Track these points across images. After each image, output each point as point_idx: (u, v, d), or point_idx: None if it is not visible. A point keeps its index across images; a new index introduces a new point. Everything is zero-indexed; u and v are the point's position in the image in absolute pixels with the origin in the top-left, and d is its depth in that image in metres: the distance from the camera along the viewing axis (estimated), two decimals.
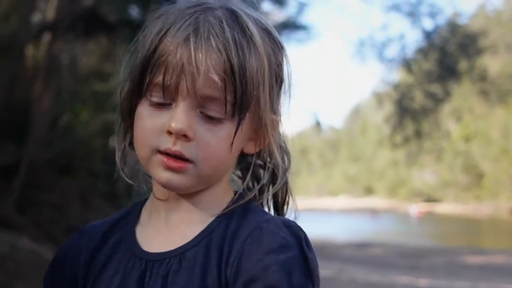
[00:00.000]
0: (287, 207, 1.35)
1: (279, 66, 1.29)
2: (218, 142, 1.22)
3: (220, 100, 1.20)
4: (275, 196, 1.33)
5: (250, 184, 1.34)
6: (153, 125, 1.22)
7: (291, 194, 1.34)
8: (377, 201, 72.96)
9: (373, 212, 48.95)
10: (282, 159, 1.32)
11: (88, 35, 11.98)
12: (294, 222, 1.22)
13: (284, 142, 1.35)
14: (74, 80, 12.76)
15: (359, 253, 16.62)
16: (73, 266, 1.32)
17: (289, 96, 1.32)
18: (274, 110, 1.30)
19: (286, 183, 1.33)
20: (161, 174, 1.22)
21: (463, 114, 58.28)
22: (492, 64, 37.03)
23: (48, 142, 11.67)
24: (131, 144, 1.31)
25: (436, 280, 13.13)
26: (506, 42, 48.13)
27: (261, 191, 1.31)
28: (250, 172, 1.31)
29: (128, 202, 1.39)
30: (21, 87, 11.48)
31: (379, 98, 30.75)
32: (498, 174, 58.72)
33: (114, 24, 11.98)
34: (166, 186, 1.23)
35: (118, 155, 1.33)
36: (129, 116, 1.29)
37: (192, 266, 1.19)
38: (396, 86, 26.44)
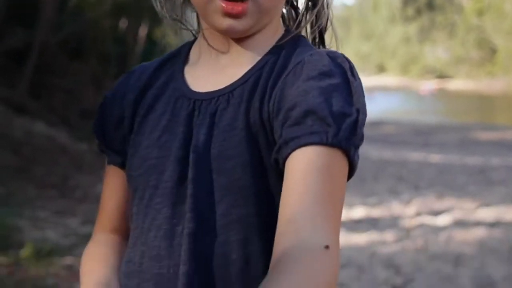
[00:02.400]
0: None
1: None
2: None
3: None
4: (319, 27, 1.30)
5: (294, 15, 1.31)
6: None
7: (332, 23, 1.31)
8: (389, 79, 72.79)
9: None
10: None
11: None
12: (340, 53, 1.18)
13: None
14: None
15: (371, 131, 16.72)
16: (121, 105, 1.30)
17: None
18: None
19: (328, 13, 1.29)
20: (220, 21, 1.18)
21: None
22: None
23: (58, 25, 11.56)
24: None
25: (448, 155, 13.24)
26: None
27: (303, 23, 1.28)
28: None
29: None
30: None
31: None
32: (511, 48, 58.13)
33: None
34: (227, 32, 1.20)
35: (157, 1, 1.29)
36: None
37: (239, 103, 1.17)
38: None
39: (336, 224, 1.05)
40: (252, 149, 1.14)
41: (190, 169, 1.17)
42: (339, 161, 1.08)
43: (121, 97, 1.31)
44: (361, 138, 1.11)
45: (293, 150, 1.07)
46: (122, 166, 1.30)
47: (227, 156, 1.15)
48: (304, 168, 1.06)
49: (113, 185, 1.33)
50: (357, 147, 1.10)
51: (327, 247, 0.98)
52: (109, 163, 1.33)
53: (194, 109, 1.21)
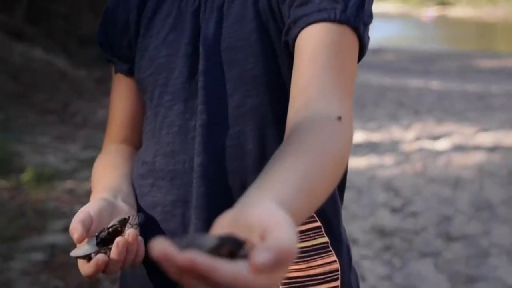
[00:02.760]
0: None
1: None
2: None
3: None
4: None
5: None
6: None
7: None
8: (389, 6, 71.98)
9: None
10: None
11: None
12: None
13: None
14: None
15: (372, 59, 16.61)
16: (125, 10, 1.29)
17: None
18: None
19: None
20: None
21: None
22: None
23: None
24: None
25: (448, 82, 13.20)
26: None
27: None
28: None
29: None
30: None
31: None
32: None
33: None
34: None
35: None
36: None
37: None
38: None
39: (348, 97, 1.04)
40: (263, 38, 1.14)
41: (201, 62, 1.17)
42: (349, 38, 1.08)
43: (124, 3, 1.29)
44: (370, 16, 1.11)
45: (302, 28, 1.07)
46: (129, 73, 1.30)
47: (238, 48, 1.15)
48: (314, 45, 1.06)
49: (121, 95, 1.33)
50: (366, 24, 1.10)
51: (339, 118, 0.97)
52: (117, 71, 1.32)
53: (200, 5, 1.20)
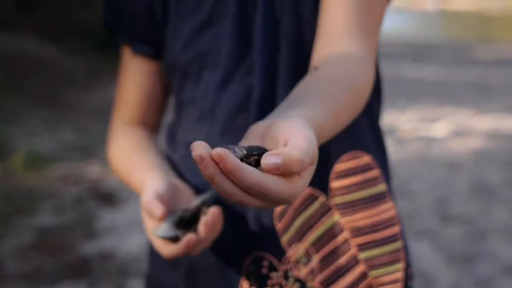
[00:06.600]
0: None
1: None
2: None
3: None
4: None
5: None
6: None
7: None
8: None
9: None
10: None
11: None
12: None
13: None
14: None
15: None
16: None
17: None
18: None
19: None
20: None
21: None
22: None
23: None
24: None
25: (446, 69, 13.14)
26: None
27: None
28: None
29: None
30: None
31: None
32: None
33: None
34: None
35: None
36: None
37: None
38: None
39: (373, 39, 1.08)
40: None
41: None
42: None
43: None
44: None
45: None
46: (153, 56, 1.26)
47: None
48: None
49: (138, 77, 1.28)
50: None
51: (362, 58, 1.03)
52: (135, 53, 1.27)
53: None
